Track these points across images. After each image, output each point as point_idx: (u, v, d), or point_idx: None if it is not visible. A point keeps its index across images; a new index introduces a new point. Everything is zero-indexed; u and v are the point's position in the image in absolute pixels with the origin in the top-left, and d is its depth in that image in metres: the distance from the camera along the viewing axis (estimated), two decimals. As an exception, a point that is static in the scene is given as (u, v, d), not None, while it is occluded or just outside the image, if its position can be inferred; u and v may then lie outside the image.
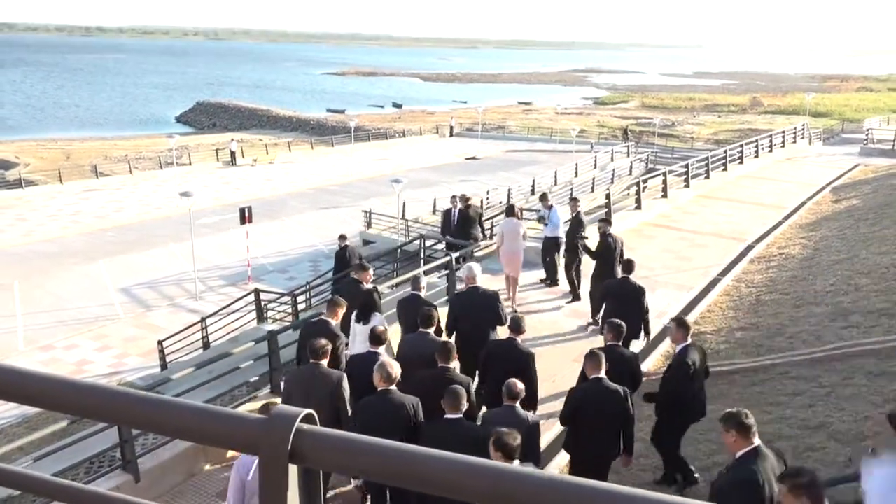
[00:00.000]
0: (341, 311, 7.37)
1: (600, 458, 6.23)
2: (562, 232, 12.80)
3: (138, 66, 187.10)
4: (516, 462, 4.41)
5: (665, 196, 20.04)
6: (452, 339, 7.53)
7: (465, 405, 5.38)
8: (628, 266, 9.14)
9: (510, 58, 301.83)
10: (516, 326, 6.98)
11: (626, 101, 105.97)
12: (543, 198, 13.66)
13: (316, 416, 1.08)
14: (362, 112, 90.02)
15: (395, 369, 5.78)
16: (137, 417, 1.16)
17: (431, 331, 7.06)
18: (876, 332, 9.05)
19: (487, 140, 56.63)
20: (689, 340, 6.74)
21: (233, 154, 46.62)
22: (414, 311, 7.51)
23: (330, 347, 6.30)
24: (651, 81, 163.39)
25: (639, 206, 18.49)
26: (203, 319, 17.25)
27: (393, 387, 5.70)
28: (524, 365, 6.69)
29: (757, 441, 4.49)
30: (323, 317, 7.42)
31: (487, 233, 17.09)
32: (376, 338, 6.61)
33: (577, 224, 12.26)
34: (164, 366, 16.06)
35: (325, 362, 6.19)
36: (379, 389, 5.71)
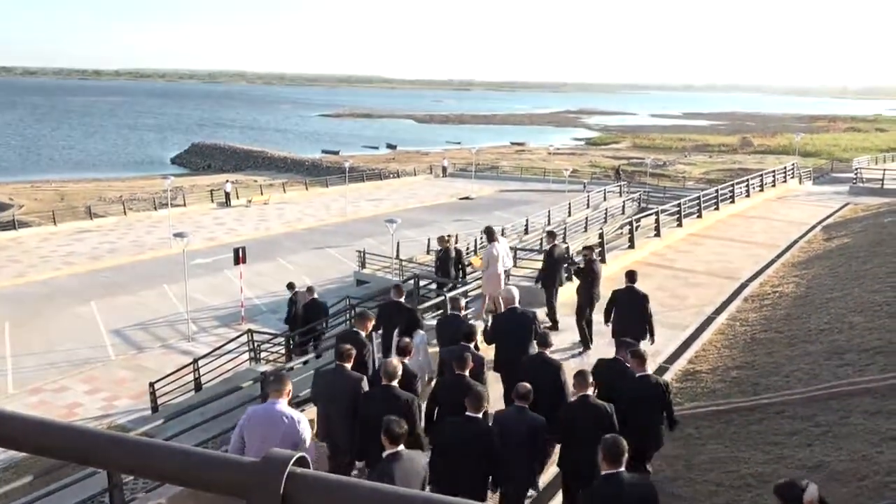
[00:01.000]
0: (370, 324, 8.13)
1: (590, 472, 6.38)
2: (506, 264, 13.35)
3: (133, 109, 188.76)
4: (401, 446, 5.02)
5: (658, 235, 20.13)
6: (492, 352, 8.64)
7: (485, 406, 6.07)
8: (632, 276, 10.15)
9: (502, 99, 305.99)
10: (543, 341, 7.68)
11: (618, 142, 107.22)
12: (489, 232, 13.81)
13: (306, 459, 1.06)
14: (357, 153, 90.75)
15: (396, 368, 6.54)
16: (126, 461, 1.13)
17: (472, 345, 7.78)
18: (871, 370, 9.03)
19: (481, 180, 57.05)
20: (647, 371, 7.05)
21: (227, 195, 46.78)
22: (452, 329, 8.27)
23: (354, 352, 6.92)
24: (642, 122, 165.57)
25: (632, 246, 18.57)
26: (195, 361, 17.09)
27: (394, 383, 6.43)
28: (554, 376, 7.26)
29: (621, 468, 4.93)
30: (354, 328, 8.31)
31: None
32: (402, 349, 7.50)
33: (548, 257, 12.80)
34: (155, 408, 15.86)
35: (349, 365, 6.77)
36: (382, 384, 6.47)
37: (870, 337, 10.33)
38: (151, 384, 16.31)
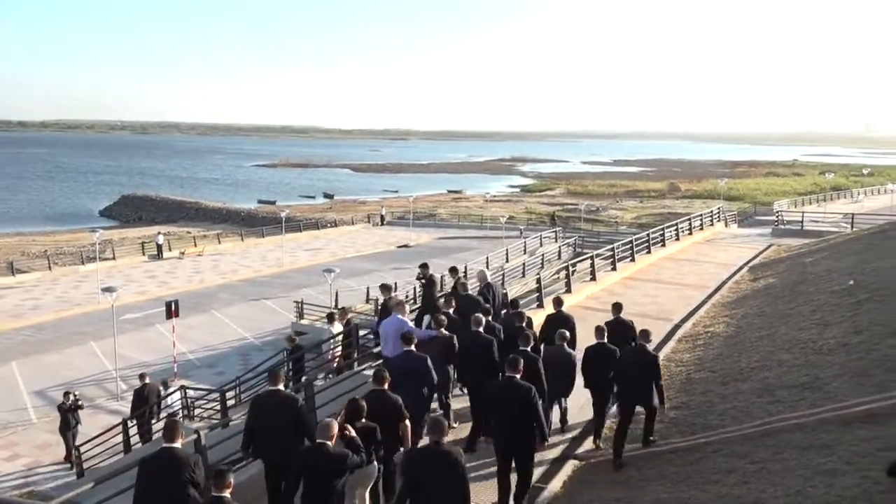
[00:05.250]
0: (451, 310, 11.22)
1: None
2: None
3: (61, 160, 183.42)
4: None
5: (594, 279, 20.53)
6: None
7: (520, 370, 7.46)
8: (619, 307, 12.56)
9: (438, 149, 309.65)
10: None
11: (552, 189, 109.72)
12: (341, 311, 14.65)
13: None
14: (294, 203, 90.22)
15: (482, 320, 9.54)
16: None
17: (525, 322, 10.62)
18: (801, 405, 9.30)
19: (419, 228, 57.33)
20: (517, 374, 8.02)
21: (159, 247, 45.64)
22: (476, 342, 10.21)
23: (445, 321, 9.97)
24: (574, 169, 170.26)
25: (569, 290, 18.86)
26: (125, 421, 16.35)
27: (481, 329, 9.40)
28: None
29: (517, 375, 7.35)
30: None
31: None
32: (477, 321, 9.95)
33: (429, 285, 13.71)
34: (80, 473, 15.06)
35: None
36: (473, 329, 9.41)
37: (798, 374, 10.68)
38: (77, 447, 15.52)
